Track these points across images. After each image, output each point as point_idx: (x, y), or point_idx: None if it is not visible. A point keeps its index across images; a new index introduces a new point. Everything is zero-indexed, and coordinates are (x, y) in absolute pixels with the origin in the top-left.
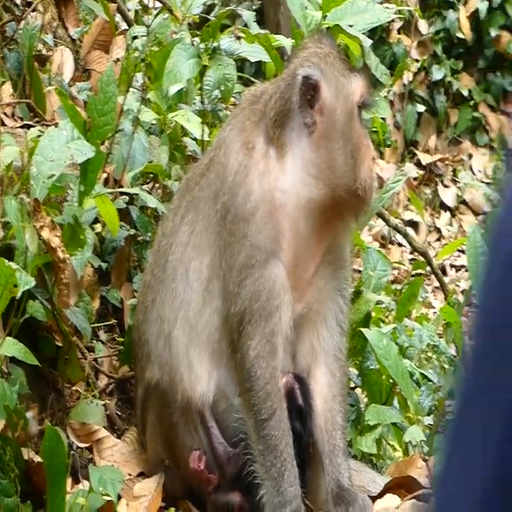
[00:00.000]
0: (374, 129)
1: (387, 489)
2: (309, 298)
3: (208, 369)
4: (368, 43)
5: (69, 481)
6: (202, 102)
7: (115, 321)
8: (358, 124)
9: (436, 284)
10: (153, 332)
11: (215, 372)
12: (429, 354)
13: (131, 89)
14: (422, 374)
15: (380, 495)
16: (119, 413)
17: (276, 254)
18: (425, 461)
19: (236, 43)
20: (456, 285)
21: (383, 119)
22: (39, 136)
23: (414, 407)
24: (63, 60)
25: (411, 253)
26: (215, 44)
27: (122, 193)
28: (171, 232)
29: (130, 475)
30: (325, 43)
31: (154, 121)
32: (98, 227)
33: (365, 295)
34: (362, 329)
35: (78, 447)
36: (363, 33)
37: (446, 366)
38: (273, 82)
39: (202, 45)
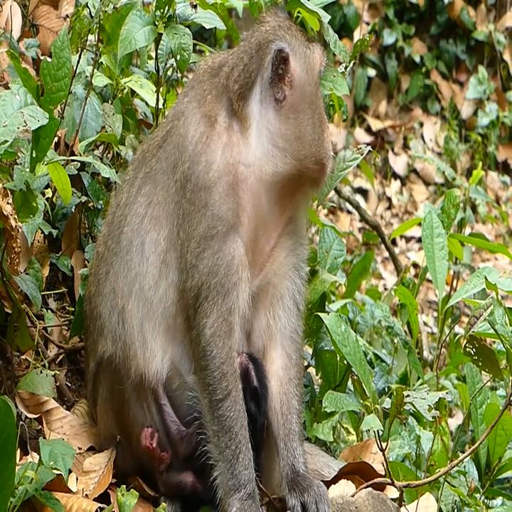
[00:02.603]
0: (331, 103)
1: (341, 474)
2: (268, 271)
3: (163, 345)
4: (326, 18)
5: (17, 452)
6: (157, 70)
7: (65, 289)
8: (320, 94)
9: (386, 254)
10: (107, 306)
11: (170, 349)
12: (380, 329)
13: (83, 51)
14: (375, 354)
15: (335, 480)
16: (69, 384)
17: (236, 228)
18: (381, 449)
19: (191, 9)
20: (407, 257)
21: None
22: None
23: (371, 396)
24: (11, 15)
25: (360, 221)
26: (171, 12)
27: (73, 160)
28: (126, 203)
29: (80, 449)
30: (282, 16)
31: (106, 85)
32: (49, 193)
33: (320, 275)
34: (319, 314)
35: (27, 418)
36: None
37: (398, 347)
38: (231, 54)
39: (157, 12)
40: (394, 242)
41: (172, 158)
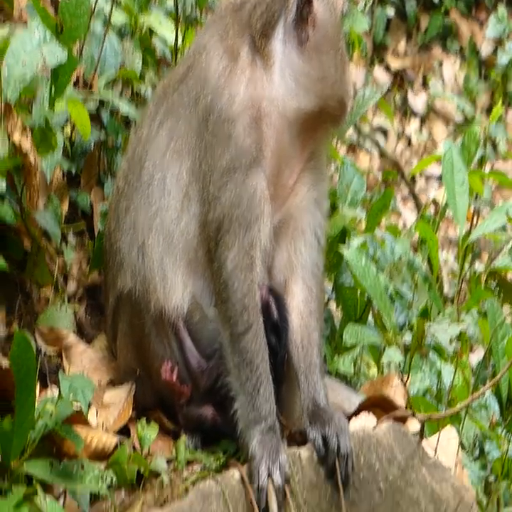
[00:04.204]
0: (350, 41)
1: (362, 408)
2: (289, 205)
3: (183, 279)
4: None
5: (37, 386)
6: (176, 8)
7: (85, 225)
8: (342, 34)
9: (406, 192)
10: (126, 241)
11: (191, 282)
12: (400, 266)
13: None
14: (395, 289)
15: (356, 413)
16: (89, 319)
17: (259, 162)
18: (402, 381)
19: None
20: (426, 195)
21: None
22: (8, 36)
23: (392, 329)
24: None
25: (380, 159)
26: None
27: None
28: (147, 138)
29: (100, 383)
30: None
31: (125, 23)
32: (68, 129)
33: (341, 210)
34: (340, 249)
35: (46, 352)
36: None
37: (419, 282)
38: None
39: None
40: (413, 180)
41: (194, 92)
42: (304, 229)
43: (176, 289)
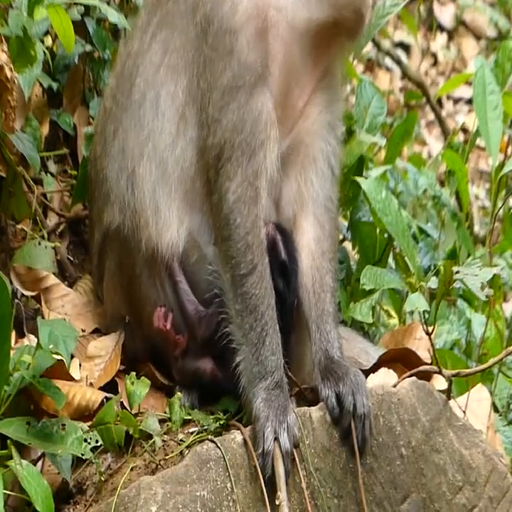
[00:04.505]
0: None
1: (381, 362)
2: (300, 130)
3: (179, 213)
4: None
5: (12, 334)
6: None
7: (67, 150)
8: None
9: (431, 117)
10: (114, 168)
11: (187, 217)
12: (424, 201)
13: None
14: (420, 228)
15: (374, 368)
16: (71, 258)
17: (264, 79)
18: (427, 333)
19: None
20: (454, 121)
21: None
22: None
23: (416, 272)
24: None
25: (402, 79)
26: None
27: (77, 3)
28: (138, 51)
29: (83, 331)
30: None
31: None
32: (48, 40)
33: (358, 136)
34: (356, 178)
35: (23, 295)
36: None
37: (446, 220)
38: None
39: None
40: (440, 103)
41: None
42: (316, 157)
43: (171, 225)
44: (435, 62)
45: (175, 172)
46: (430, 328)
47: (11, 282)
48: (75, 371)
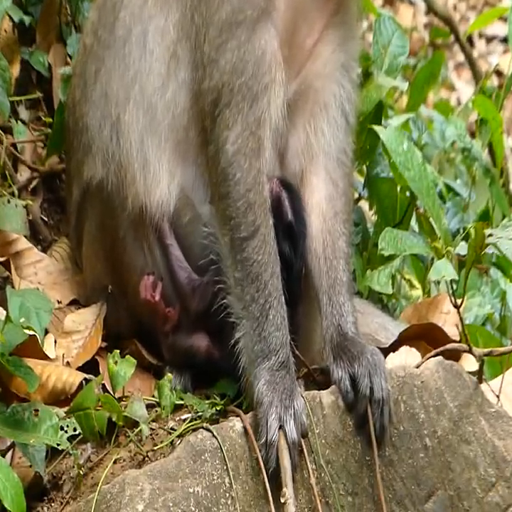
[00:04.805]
0: None
1: (402, 339)
2: (309, 72)
3: (170, 167)
4: None
5: None
6: None
7: (41, 94)
8: None
9: (461, 58)
10: (96, 115)
11: (179, 171)
12: (452, 155)
13: None
14: (447, 186)
15: (394, 347)
16: (46, 219)
17: (268, 14)
18: (455, 306)
19: None
20: (488, 62)
21: None
22: None
23: (443, 235)
24: None
25: (427, 14)
26: None
27: None
28: None
29: (60, 302)
30: None
31: None
32: None
33: (376, 78)
34: (374, 127)
35: None
36: None
37: (477, 176)
38: None
39: None
40: (470, 41)
41: None
42: (328, 103)
43: (161, 180)
44: None
45: (165, 119)
46: (459, 301)
47: None
48: (49, 348)
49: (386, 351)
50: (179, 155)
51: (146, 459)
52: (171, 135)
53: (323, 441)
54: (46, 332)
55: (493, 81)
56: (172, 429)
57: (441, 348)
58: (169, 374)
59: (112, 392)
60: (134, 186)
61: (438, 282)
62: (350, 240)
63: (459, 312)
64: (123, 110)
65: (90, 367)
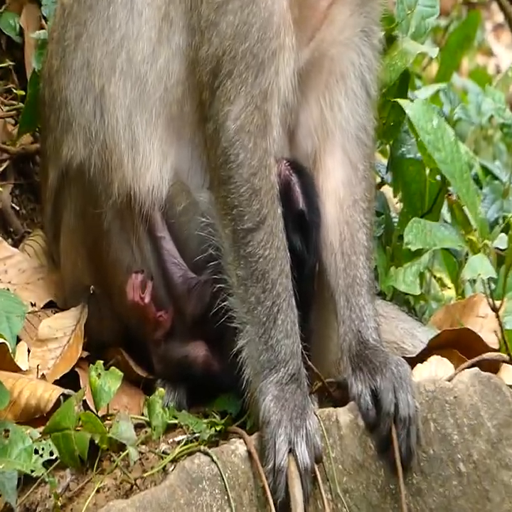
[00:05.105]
0: None
1: (432, 348)
2: (323, 37)
3: (162, 147)
4: None
5: None
6: None
7: (11, 63)
8: None
9: (500, 18)
10: (77, 88)
11: (173, 152)
12: (490, 132)
13: None
14: (484, 167)
15: (423, 356)
16: (17, 207)
17: None
18: (494, 308)
19: None
20: None
21: None
22: None
23: (479, 227)
24: None
25: None
26: None
27: None
28: None
29: (34, 305)
30: None
31: None
32: None
33: (400, 44)
34: (399, 101)
35: None
36: None
37: None
38: None
39: None
40: None
41: None
42: (345, 73)
43: (151, 162)
44: None
45: (157, 92)
46: (498, 303)
47: None
48: (22, 359)
49: (413, 361)
50: (173, 133)
51: (134, 487)
52: (163, 110)
53: (340, 466)
54: (18, 340)
55: None
56: (164, 452)
57: (478, 358)
58: (161, 389)
59: (94, 410)
60: (121, 169)
61: (473, 281)
62: (371, 233)
63: (497, 316)
64: (108, 81)
65: (69, 380)
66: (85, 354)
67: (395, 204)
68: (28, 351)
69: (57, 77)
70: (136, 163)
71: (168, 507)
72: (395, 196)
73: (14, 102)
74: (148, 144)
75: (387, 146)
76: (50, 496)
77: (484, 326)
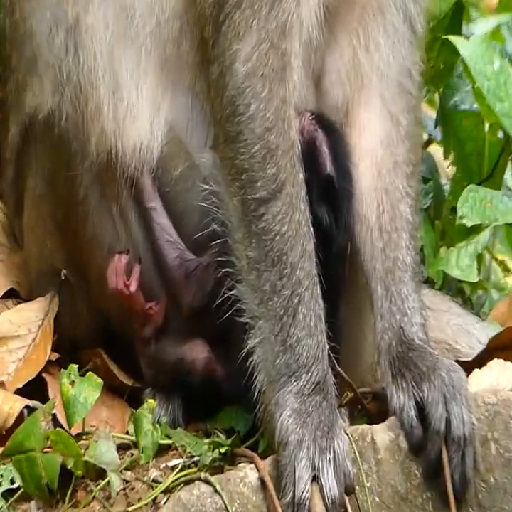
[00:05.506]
0: None
1: (493, 349)
2: None
3: (153, 95)
4: None
5: None
6: None
7: None
8: None
9: None
10: (45, 17)
11: (167, 101)
12: None
13: None
14: None
15: (481, 360)
16: None
17: None
18: None
19: None
20: None
21: None
22: None
23: None
24: None
25: None
26: None
27: None
28: None
29: None
30: None
31: None
32: None
33: None
34: (452, 39)
35: None
36: None
37: None
38: None
39: None
40: None
41: None
42: (384, 4)
43: (139, 113)
44: None
45: (146, 26)
46: None
47: None
48: None
49: (469, 366)
50: (167, 78)
51: None
52: (155, 48)
53: (376, 499)
54: None
55: None
56: (155, 481)
57: None
58: (151, 400)
59: (66, 427)
60: (99, 121)
61: None
62: (417, 204)
63: None
64: (84, 9)
65: (35, 389)
66: (55, 356)
67: (446, 168)
68: None
69: (20, 4)
70: (118, 112)
71: None
72: (445, 158)
73: None
74: (135, 90)
75: (436, 95)
76: None
77: None
